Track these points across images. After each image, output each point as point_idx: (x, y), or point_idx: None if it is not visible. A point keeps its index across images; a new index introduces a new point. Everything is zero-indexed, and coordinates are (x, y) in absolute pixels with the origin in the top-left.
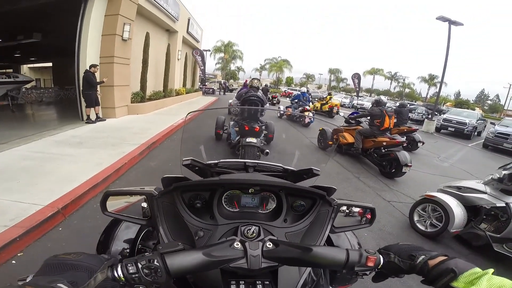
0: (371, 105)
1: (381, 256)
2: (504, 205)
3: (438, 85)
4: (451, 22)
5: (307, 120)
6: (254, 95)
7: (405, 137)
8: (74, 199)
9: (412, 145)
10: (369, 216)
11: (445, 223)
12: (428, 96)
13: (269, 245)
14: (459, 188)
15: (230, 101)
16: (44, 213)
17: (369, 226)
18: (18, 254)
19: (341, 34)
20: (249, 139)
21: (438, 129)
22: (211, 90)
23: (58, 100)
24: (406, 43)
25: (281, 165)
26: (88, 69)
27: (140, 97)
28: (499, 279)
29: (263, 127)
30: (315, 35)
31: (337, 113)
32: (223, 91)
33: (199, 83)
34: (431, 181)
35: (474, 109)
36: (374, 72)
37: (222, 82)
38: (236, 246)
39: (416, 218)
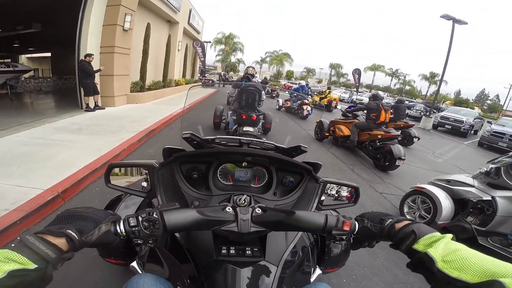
0: (368, 99)
1: (356, 223)
2: (490, 198)
3: (439, 83)
4: (455, 21)
5: (305, 112)
6: (252, 84)
7: (400, 131)
8: (73, 184)
9: (408, 140)
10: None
11: (433, 215)
12: (428, 94)
13: (258, 211)
14: (448, 181)
15: (228, 91)
16: (44, 197)
17: (354, 205)
18: (18, 238)
19: (343, 31)
20: (246, 128)
21: (435, 126)
22: (210, 81)
23: (57, 90)
24: (408, 41)
25: (273, 142)
26: (83, 58)
27: (139, 86)
28: (455, 243)
29: (261, 117)
30: (317, 30)
31: (335, 107)
32: (222, 83)
33: (199, 74)
34: (424, 176)
35: (473, 108)
36: (375, 68)
37: (222, 74)
38: (228, 210)
39: (406, 209)
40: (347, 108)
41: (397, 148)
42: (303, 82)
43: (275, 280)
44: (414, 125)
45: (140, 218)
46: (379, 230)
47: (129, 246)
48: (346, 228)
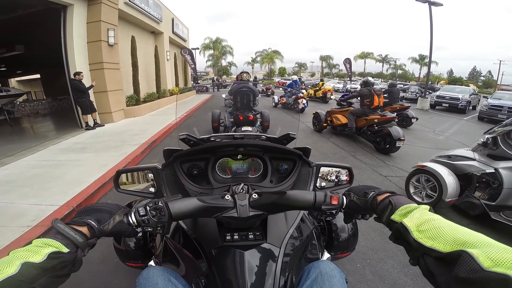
0: (359, 86)
1: (344, 197)
2: (493, 171)
3: (428, 64)
4: (431, 3)
5: (301, 106)
6: (245, 86)
7: (395, 113)
8: (86, 198)
9: (406, 121)
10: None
11: (439, 193)
12: (421, 76)
13: (255, 196)
14: (449, 156)
15: (223, 95)
16: (61, 212)
17: (349, 186)
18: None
19: (329, 22)
20: (244, 128)
21: (432, 106)
22: (204, 88)
23: (54, 111)
24: (394, 26)
25: (264, 134)
26: (73, 77)
27: (134, 100)
28: (430, 213)
29: (258, 116)
30: (303, 22)
31: (330, 97)
32: (216, 88)
33: (192, 82)
34: (427, 154)
35: (468, 86)
36: (364, 56)
37: (215, 79)
38: (227, 198)
39: (412, 190)
40: (341, 97)
41: (396, 130)
42: (295, 77)
43: (278, 261)
44: (410, 106)
45: (148, 208)
46: (364, 203)
47: (145, 248)
48: (334, 202)
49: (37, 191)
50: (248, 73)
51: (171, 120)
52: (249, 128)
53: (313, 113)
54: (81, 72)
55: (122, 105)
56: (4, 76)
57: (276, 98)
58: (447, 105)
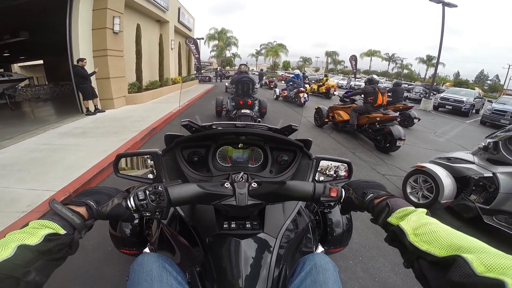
0: (364, 84)
1: (342, 190)
2: (491, 175)
3: (435, 66)
4: (445, 4)
5: (302, 100)
6: (245, 76)
7: (399, 113)
8: (83, 184)
9: (408, 121)
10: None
11: (435, 194)
12: (427, 77)
13: (254, 185)
14: (448, 159)
15: (226, 84)
16: (57, 198)
17: (348, 180)
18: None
19: (339, 16)
20: (243, 110)
21: (436, 108)
22: (207, 78)
23: (55, 96)
24: (404, 23)
25: (266, 124)
26: (76, 63)
27: (137, 87)
28: (427, 217)
29: (256, 102)
30: (311, 17)
31: (333, 93)
32: (219, 78)
33: (195, 71)
34: (426, 156)
35: (474, 89)
36: (371, 54)
37: (218, 69)
38: (226, 185)
39: (409, 190)
40: (344, 94)
41: (397, 129)
42: (297, 71)
43: (274, 251)
44: (413, 106)
45: (147, 192)
46: (361, 203)
47: (140, 236)
48: (333, 194)
49: (34, 175)
50: (246, 65)
51: (172, 108)
52: (248, 111)
53: (315, 108)
54: (85, 59)
55: (123, 92)
56: (7, 61)
57: (277, 91)
58: (450, 107)
